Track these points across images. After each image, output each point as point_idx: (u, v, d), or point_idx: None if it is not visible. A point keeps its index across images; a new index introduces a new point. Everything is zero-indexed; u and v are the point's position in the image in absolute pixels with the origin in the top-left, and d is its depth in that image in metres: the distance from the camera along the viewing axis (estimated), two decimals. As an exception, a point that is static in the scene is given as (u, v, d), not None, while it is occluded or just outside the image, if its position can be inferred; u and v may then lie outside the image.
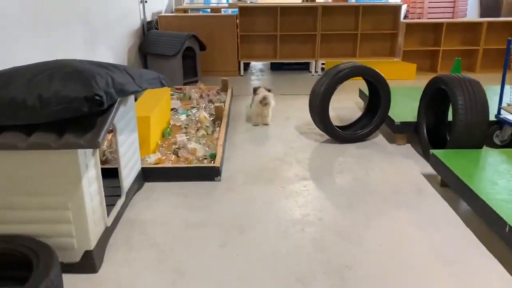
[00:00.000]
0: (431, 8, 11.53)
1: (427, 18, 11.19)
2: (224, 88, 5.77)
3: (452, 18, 11.39)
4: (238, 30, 6.96)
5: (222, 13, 7.89)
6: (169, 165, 3.47)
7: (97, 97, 1.99)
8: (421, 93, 3.88)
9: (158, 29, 6.93)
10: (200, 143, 3.92)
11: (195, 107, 5.05)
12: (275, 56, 7.12)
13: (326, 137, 4.23)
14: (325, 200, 3.10)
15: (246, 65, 7.52)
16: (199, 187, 3.30)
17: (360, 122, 4.36)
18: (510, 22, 7.13)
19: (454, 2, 11.57)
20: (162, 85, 2.93)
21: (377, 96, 4.15)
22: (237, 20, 6.94)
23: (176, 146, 3.85)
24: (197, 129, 4.33)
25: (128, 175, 2.97)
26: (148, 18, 6.96)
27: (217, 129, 4.37)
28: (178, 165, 3.45)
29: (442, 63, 7.01)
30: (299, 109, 5.28)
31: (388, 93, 4.07)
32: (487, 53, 7.04)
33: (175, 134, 4.17)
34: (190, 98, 5.53)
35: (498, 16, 11.38)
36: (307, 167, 3.66)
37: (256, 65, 7.97)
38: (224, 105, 4.92)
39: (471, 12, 11.75)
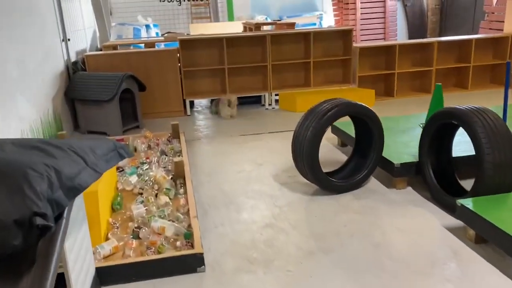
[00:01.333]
0: (363, 31, 11.58)
1: (361, 41, 11.19)
2: (175, 134, 4.93)
3: (384, 40, 11.52)
4: (180, 65, 6.18)
5: (157, 47, 7.05)
6: (133, 258, 2.57)
7: (38, 219, 1.13)
8: (423, 130, 3.34)
9: (85, 70, 5.95)
10: (164, 215, 3.06)
11: (145, 163, 4.16)
12: (224, 91, 6.41)
13: (313, 186, 3.56)
14: (350, 283, 2.38)
15: (192, 103, 6.73)
16: (178, 285, 2.44)
17: (349, 165, 3.75)
18: (456, 40, 7.05)
19: (384, 24, 11.73)
20: (122, 158, 2.09)
21: (367, 134, 3.57)
22: (179, 55, 6.16)
23: (135, 225, 2.96)
24: (156, 194, 3.46)
25: (81, 291, 2.05)
26: (73, 58, 5.96)
27: (181, 190, 3.53)
28: (145, 257, 2.55)
29: (398, 86, 6.73)
30: (268, 151, 4.58)
31: (381, 131, 3.51)
32: (440, 72, 6.87)
33: (129, 205, 3.28)
34: (135, 150, 4.63)
35: (424, 36, 11.69)
36: (308, 233, 2.94)
37: (201, 101, 7.20)
38: (182, 157, 4.09)
39: (401, 34, 11.96)
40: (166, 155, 4.34)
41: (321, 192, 3.50)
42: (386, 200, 3.35)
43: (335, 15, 11.93)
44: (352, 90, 6.52)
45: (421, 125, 4.43)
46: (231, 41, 6.33)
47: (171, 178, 3.72)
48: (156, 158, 4.26)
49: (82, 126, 5.58)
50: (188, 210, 3.14)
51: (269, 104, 6.56)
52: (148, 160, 4.24)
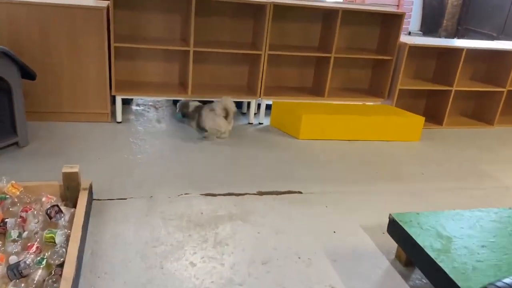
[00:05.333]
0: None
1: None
2: (71, 192, 2.37)
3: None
4: (110, 37, 3.50)
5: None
6: None
7: None
8: None
9: None
10: None
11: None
12: (184, 88, 3.83)
13: None
14: None
15: (128, 102, 4.12)
16: None
17: None
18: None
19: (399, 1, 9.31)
20: None
21: None
22: (108, 16, 3.47)
23: None
24: None
25: None
26: None
27: None
28: None
29: (451, 110, 4.43)
30: (258, 262, 2.13)
31: None
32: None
33: None
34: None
35: (440, 23, 9.47)
36: None
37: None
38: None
39: (414, 19, 9.64)
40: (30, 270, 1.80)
41: None
42: None
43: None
44: (389, 110, 4.11)
45: None
46: (204, 5, 3.70)
47: None
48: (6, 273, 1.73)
49: None
50: None
51: (255, 114, 4.07)
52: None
